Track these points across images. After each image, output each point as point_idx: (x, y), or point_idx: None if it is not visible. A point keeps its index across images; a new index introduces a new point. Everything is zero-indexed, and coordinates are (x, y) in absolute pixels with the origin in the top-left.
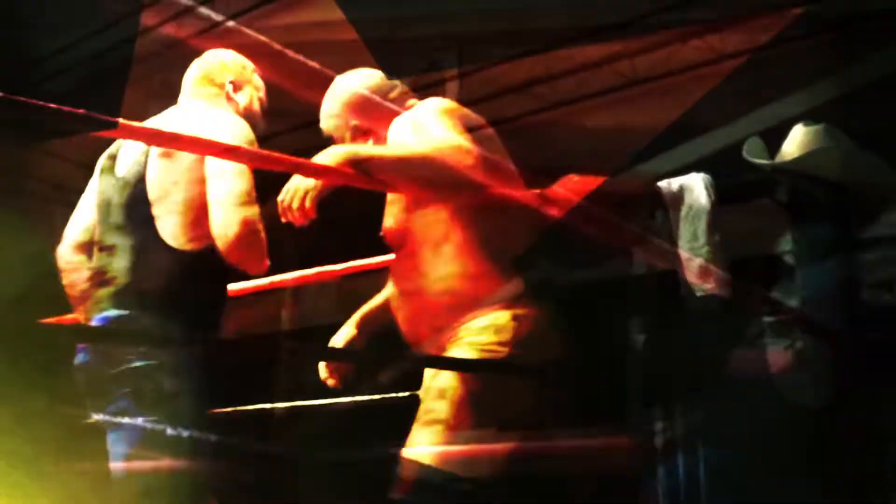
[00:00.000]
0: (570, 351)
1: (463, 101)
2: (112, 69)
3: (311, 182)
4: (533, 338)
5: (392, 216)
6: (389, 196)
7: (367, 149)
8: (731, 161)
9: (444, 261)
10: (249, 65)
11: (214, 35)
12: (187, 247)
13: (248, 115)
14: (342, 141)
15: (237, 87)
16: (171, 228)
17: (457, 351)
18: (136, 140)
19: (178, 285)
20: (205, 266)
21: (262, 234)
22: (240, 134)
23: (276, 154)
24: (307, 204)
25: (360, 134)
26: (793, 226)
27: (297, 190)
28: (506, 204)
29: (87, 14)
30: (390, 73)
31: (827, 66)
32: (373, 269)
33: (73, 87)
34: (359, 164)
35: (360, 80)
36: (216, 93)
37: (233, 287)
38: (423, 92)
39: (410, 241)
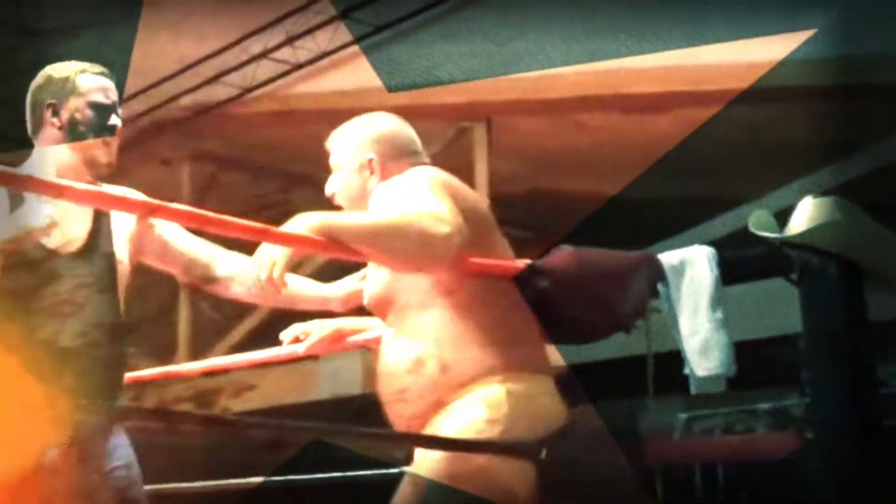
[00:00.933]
0: (570, 427)
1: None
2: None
3: (279, 251)
4: (528, 414)
5: (375, 283)
6: (372, 263)
7: (338, 217)
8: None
9: (431, 328)
10: (75, 68)
11: (242, 103)
12: None
13: (73, 131)
14: (343, 172)
15: (55, 108)
16: None
17: (446, 426)
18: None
19: None
20: None
21: None
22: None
23: (242, 223)
24: (275, 275)
25: (367, 170)
26: (802, 304)
27: (264, 262)
28: (499, 273)
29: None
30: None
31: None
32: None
33: None
34: (329, 233)
35: (392, 124)
36: (40, 124)
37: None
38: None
39: (395, 307)
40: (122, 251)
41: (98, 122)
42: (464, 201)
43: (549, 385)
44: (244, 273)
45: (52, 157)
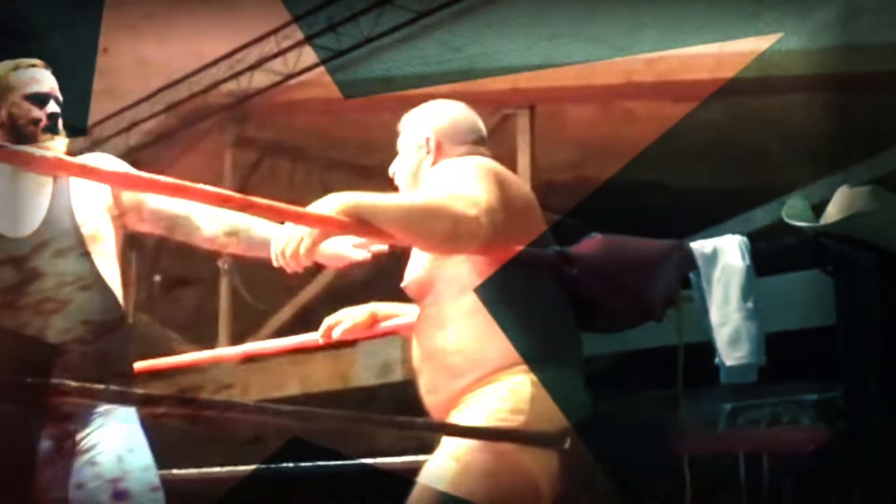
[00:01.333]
0: (595, 419)
1: (538, 156)
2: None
3: (306, 229)
4: (552, 406)
5: (417, 266)
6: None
7: (367, 197)
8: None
9: (464, 315)
10: (7, 66)
11: (285, 89)
12: None
13: (13, 127)
14: (404, 152)
15: None
16: None
17: (468, 414)
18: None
19: None
20: None
21: None
22: None
23: (270, 203)
24: (301, 251)
25: (424, 149)
26: (836, 295)
27: (291, 238)
28: (530, 261)
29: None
30: None
31: None
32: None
33: (143, 141)
34: (358, 214)
35: (459, 111)
36: None
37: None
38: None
39: (433, 293)
40: (103, 222)
41: (36, 112)
42: (510, 192)
43: (577, 377)
44: (225, 225)
45: None
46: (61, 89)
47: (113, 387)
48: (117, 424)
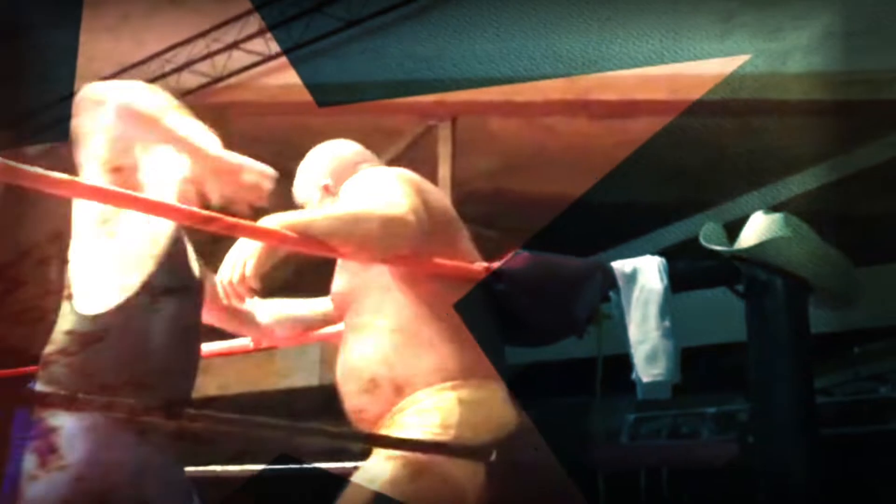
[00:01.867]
0: (521, 431)
1: (459, 166)
2: None
3: (248, 251)
4: (479, 420)
5: (341, 278)
6: (340, 260)
7: (300, 213)
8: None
9: (387, 331)
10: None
11: (213, 91)
12: None
13: None
14: (311, 206)
15: None
16: None
17: (397, 432)
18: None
19: None
20: None
21: None
22: None
23: (211, 213)
24: (247, 273)
25: (328, 194)
26: (748, 316)
27: (233, 265)
28: (457, 275)
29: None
30: (388, 135)
31: (815, 153)
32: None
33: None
34: (294, 229)
35: (338, 147)
36: None
37: None
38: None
39: (356, 306)
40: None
41: None
42: (429, 200)
43: (501, 390)
44: None
45: None
46: (42, 89)
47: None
48: (103, 437)
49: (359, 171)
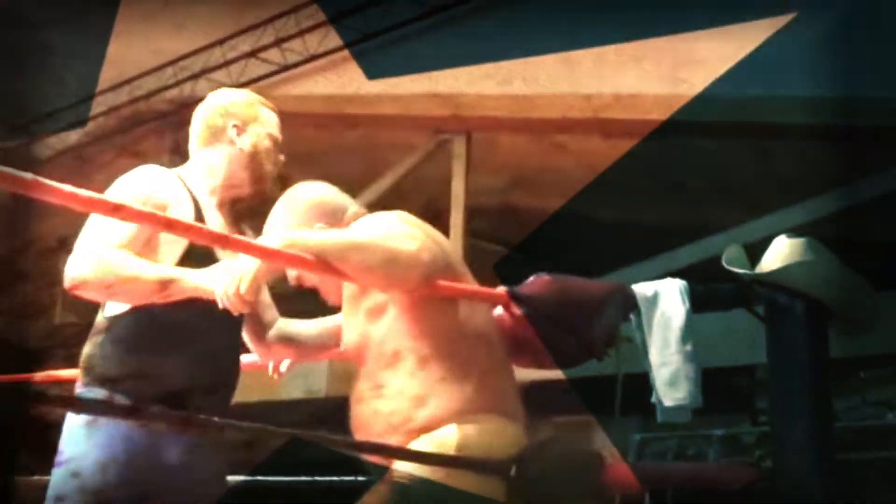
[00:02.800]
0: (528, 462)
1: (469, 181)
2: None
3: (247, 269)
4: (497, 446)
5: (350, 329)
6: (345, 309)
7: (309, 233)
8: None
9: (399, 378)
10: (255, 99)
11: None
12: None
13: (255, 155)
14: None
15: (241, 129)
16: None
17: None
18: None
19: None
20: None
21: None
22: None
23: (224, 234)
24: (242, 290)
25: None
26: (768, 340)
27: (234, 278)
28: (463, 313)
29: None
30: (401, 149)
31: (828, 179)
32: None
33: (81, 141)
34: (301, 249)
35: (326, 189)
36: (219, 139)
37: None
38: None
39: (368, 357)
40: None
41: (274, 155)
42: (434, 238)
43: (514, 428)
44: None
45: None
46: (53, 81)
47: (98, 396)
48: (100, 433)
49: (349, 218)
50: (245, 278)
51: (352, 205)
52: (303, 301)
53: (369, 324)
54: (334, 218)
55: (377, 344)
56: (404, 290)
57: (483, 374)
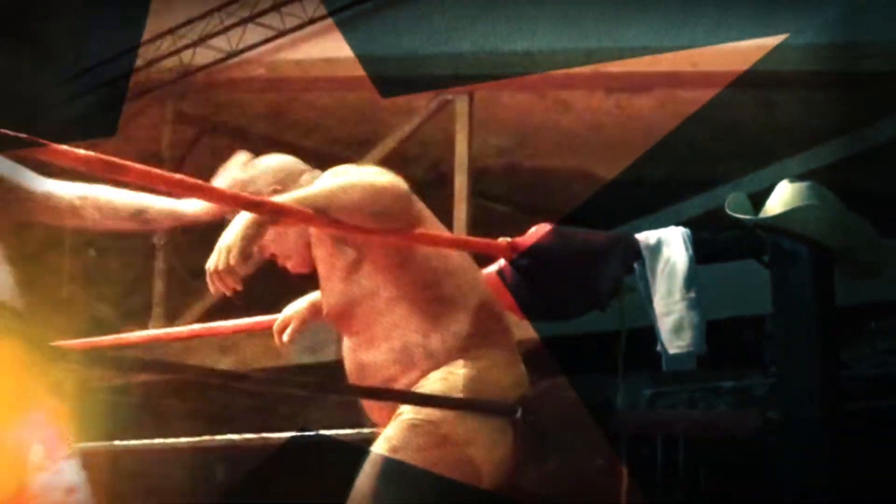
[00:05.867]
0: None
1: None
2: (119, 97)
3: (232, 234)
4: (490, 385)
5: (331, 291)
6: (322, 272)
7: (292, 193)
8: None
9: (392, 327)
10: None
11: (226, 67)
12: None
13: None
14: None
15: None
16: None
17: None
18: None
19: None
20: None
21: None
22: None
23: (209, 186)
24: (231, 261)
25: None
26: (773, 286)
27: (218, 253)
28: (436, 253)
29: (99, 42)
30: (402, 111)
31: (833, 127)
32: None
33: (82, 113)
34: (296, 202)
35: (279, 159)
36: None
37: None
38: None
39: (356, 316)
40: None
41: None
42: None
43: (519, 365)
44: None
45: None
46: (42, 68)
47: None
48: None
49: (304, 178)
50: (232, 246)
51: (309, 170)
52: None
53: (349, 282)
54: (290, 179)
55: (362, 298)
56: (399, 223)
57: (477, 309)
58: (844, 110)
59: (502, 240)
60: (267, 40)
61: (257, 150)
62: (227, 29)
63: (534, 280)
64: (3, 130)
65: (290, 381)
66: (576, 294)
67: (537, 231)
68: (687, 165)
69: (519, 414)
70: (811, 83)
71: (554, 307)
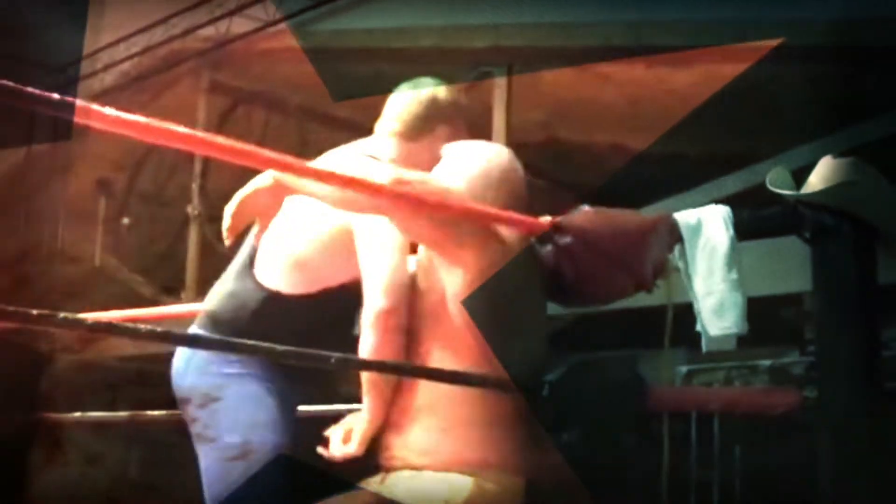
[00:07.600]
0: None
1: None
2: (156, 67)
3: (361, 423)
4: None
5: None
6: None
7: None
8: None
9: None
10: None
11: (264, 37)
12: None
13: None
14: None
15: None
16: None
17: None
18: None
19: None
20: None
21: None
22: None
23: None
24: (353, 449)
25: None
26: (814, 263)
27: (344, 431)
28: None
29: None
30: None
31: (880, 103)
32: None
33: (118, 83)
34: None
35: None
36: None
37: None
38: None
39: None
40: None
41: None
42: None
43: (516, 486)
44: None
45: None
46: (45, 24)
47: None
48: None
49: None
50: (356, 433)
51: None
52: None
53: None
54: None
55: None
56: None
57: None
58: (891, 86)
59: (544, 219)
60: (307, 8)
61: (292, 121)
62: None
63: (577, 260)
64: (51, 95)
65: (324, 356)
66: (622, 276)
67: (578, 213)
68: (727, 140)
69: (545, 392)
70: (857, 58)
71: (598, 290)
